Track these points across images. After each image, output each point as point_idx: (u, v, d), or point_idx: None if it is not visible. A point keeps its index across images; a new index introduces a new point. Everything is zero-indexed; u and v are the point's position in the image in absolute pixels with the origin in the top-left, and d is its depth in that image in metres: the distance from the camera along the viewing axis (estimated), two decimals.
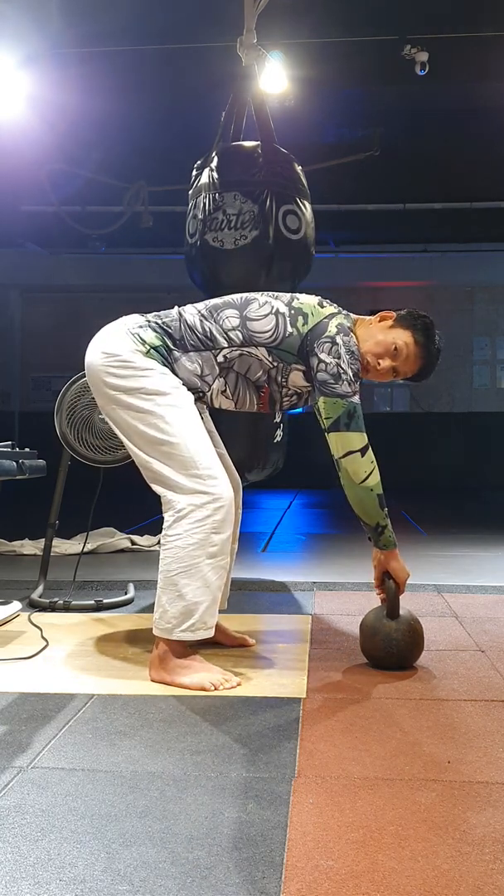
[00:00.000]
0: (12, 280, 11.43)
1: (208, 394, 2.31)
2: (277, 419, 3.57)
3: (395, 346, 2.32)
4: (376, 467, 2.25)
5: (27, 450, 2.97)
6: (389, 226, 9.07)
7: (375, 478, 2.24)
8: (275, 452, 3.61)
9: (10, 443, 2.90)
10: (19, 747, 1.67)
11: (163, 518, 2.18)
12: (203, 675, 2.10)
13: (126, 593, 3.25)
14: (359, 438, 2.21)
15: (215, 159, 3.48)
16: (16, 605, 2.92)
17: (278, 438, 3.59)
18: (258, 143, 3.51)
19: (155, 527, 2.16)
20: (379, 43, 5.02)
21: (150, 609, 2.22)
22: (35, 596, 3.14)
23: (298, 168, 3.54)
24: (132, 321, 2.29)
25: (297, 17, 4.56)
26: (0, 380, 11.84)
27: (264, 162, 3.42)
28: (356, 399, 2.23)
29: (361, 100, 6.21)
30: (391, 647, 2.28)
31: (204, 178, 3.47)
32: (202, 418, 2.35)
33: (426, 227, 9.12)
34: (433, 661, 2.36)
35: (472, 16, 4.79)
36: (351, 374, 2.22)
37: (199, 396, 2.31)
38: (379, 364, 2.33)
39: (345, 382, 2.21)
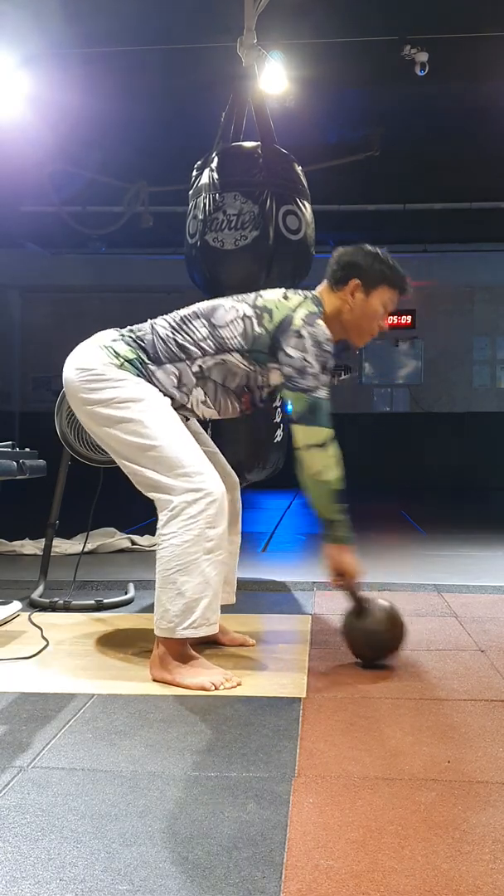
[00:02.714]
0: (12, 280, 11.42)
1: (189, 404, 2.31)
2: (277, 419, 3.57)
3: (383, 308, 2.37)
4: (337, 463, 2.24)
5: (27, 450, 2.98)
6: (389, 226, 9.06)
7: (333, 473, 2.23)
8: (275, 452, 3.61)
9: (10, 443, 2.91)
10: (19, 747, 1.67)
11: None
12: (203, 674, 2.10)
13: (126, 593, 3.26)
14: (320, 433, 2.21)
15: (215, 160, 3.48)
16: (16, 605, 2.92)
17: (278, 438, 3.59)
18: (258, 143, 3.51)
19: (155, 527, 2.16)
20: (379, 43, 5.02)
21: (150, 609, 2.23)
22: (35, 596, 3.14)
23: (298, 168, 3.54)
24: (106, 336, 2.30)
25: (297, 17, 4.57)
26: (0, 380, 11.84)
27: (264, 162, 3.43)
28: (321, 393, 2.22)
29: (361, 100, 6.21)
30: (374, 642, 2.29)
31: (204, 179, 3.48)
32: (188, 420, 2.36)
33: (426, 227, 9.12)
34: (433, 661, 2.36)
35: (472, 16, 4.79)
36: (317, 367, 2.20)
37: (179, 406, 2.31)
38: (381, 327, 2.40)
39: (309, 376, 2.20)
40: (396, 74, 5.15)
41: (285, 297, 2.31)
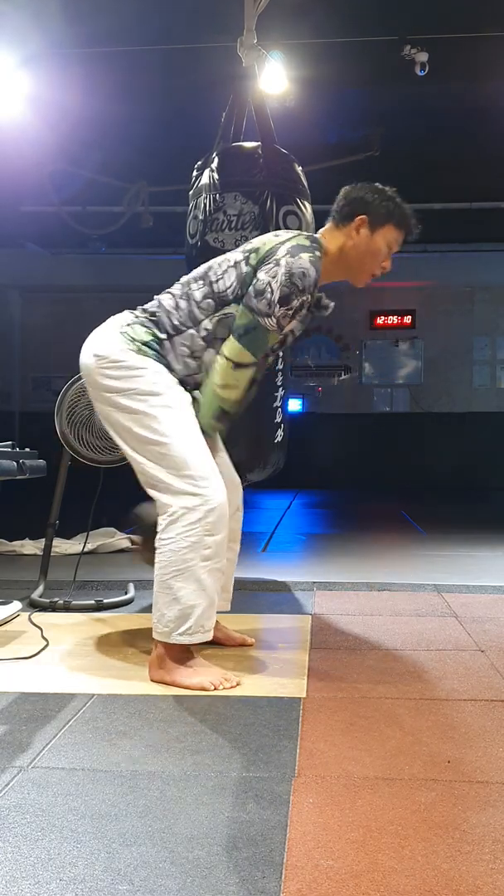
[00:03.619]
0: (12, 280, 11.42)
1: (205, 371, 2.27)
2: (277, 419, 3.57)
3: (387, 247, 2.33)
4: (240, 388, 2.21)
5: (27, 450, 2.97)
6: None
7: (232, 395, 2.21)
8: (275, 452, 3.61)
9: (10, 443, 2.91)
10: (19, 747, 1.67)
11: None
12: (203, 675, 2.10)
13: (126, 593, 3.26)
14: (243, 355, 2.19)
15: (216, 160, 3.48)
16: (16, 605, 2.92)
17: (279, 438, 3.59)
18: (258, 143, 3.51)
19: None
20: (379, 43, 5.02)
21: (150, 609, 2.23)
22: (35, 596, 3.14)
23: (299, 168, 3.54)
24: (122, 319, 2.29)
25: (297, 17, 4.57)
26: (0, 380, 11.84)
27: (264, 162, 3.43)
28: (266, 321, 2.18)
29: (361, 100, 6.21)
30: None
31: (204, 179, 3.48)
32: None
33: (426, 227, 9.08)
34: (433, 661, 2.36)
35: (472, 16, 4.79)
36: (276, 296, 2.16)
37: (196, 384, 2.28)
38: (383, 268, 2.35)
39: (264, 300, 2.17)
40: (396, 74, 5.15)
41: (276, 235, 2.31)
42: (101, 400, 2.24)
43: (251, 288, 2.20)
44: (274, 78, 4.19)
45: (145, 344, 2.22)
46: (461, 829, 1.34)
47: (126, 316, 2.30)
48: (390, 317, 11.51)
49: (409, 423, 11.59)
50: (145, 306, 2.33)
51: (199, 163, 3.58)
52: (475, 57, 5.16)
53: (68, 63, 5.12)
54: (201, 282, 2.29)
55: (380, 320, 11.53)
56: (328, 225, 2.36)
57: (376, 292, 10.98)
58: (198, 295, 2.26)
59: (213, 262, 2.33)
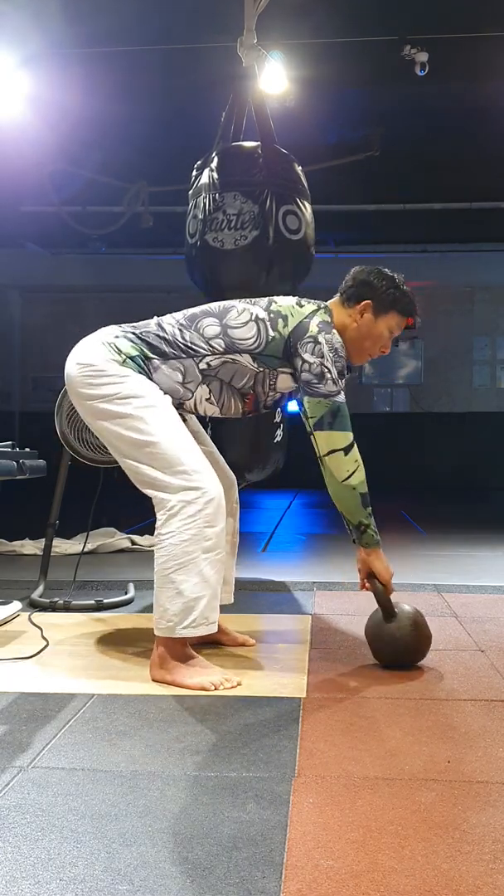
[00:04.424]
0: (12, 280, 11.41)
1: (191, 400, 2.32)
2: (277, 419, 3.57)
3: (389, 333, 2.39)
4: (361, 466, 2.24)
5: (27, 450, 2.98)
6: (389, 226, 9.06)
7: (359, 476, 2.23)
8: (275, 452, 3.61)
9: (10, 443, 2.91)
10: (19, 747, 1.67)
11: None
12: (203, 675, 2.10)
13: (126, 593, 3.26)
14: (343, 437, 2.22)
15: (215, 159, 3.48)
16: (16, 605, 2.92)
17: (278, 438, 3.59)
18: (258, 143, 3.51)
19: (155, 527, 2.17)
20: (379, 43, 5.02)
21: (150, 609, 2.23)
22: (35, 596, 3.14)
23: (298, 168, 3.54)
24: (108, 332, 2.31)
25: (297, 17, 4.56)
26: (0, 380, 11.84)
27: (264, 162, 3.43)
28: (340, 398, 2.24)
29: (361, 100, 6.21)
30: (398, 646, 2.28)
31: (204, 179, 3.48)
32: (186, 419, 2.36)
33: (426, 227, 9.12)
34: (433, 661, 2.36)
35: (472, 16, 4.79)
36: (335, 373, 2.23)
37: (179, 404, 2.31)
38: (382, 351, 2.41)
39: (329, 381, 2.22)
40: (396, 74, 5.15)
41: (300, 305, 2.34)
42: (86, 410, 2.26)
43: (307, 374, 2.23)
44: (274, 78, 4.19)
45: (130, 358, 2.24)
46: (461, 829, 1.34)
47: (113, 329, 2.32)
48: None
49: (409, 423, 11.59)
50: (136, 325, 2.34)
51: (199, 162, 3.58)
52: (475, 57, 5.16)
53: (68, 63, 5.12)
54: (216, 320, 2.30)
55: None
56: (336, 299, 2.41)
57: None
58: (210, 331, 2.28)
59: (233, 305, 2.35)
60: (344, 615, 2.99)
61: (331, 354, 2.23)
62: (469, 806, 1.42)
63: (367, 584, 2.32)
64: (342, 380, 2.26)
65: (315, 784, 1.51)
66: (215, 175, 3.43)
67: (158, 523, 2.16)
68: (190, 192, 3.57)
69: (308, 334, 2.24)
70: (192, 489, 2.12)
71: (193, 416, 2.47)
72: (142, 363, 2.25)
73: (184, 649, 2.15)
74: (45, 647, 2.46)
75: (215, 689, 2.05)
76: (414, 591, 3.46)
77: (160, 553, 2.14)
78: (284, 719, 1.85)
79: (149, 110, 6.23)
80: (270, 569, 3.94)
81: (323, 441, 2.23)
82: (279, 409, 3.55)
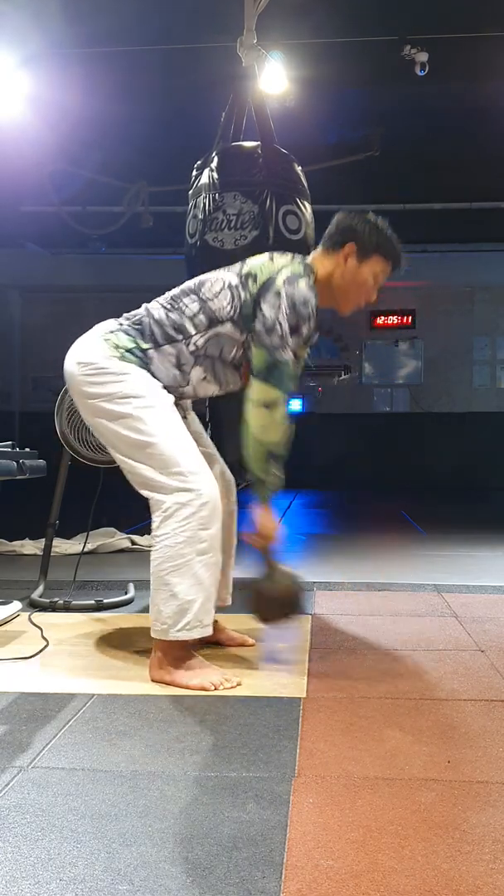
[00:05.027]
0: (12, 280, 11.42)
1: (190, 385, 2.30)
2: None
3: (373, 279, 2.35)
4: (281, 428, 2.21)
5: (27, 450, 2.97)
6: (389, 226, 9.05)
7: (273, 436, 2.20)
8: None
9: (10, 443, 2.90)
10: (19, 747, 1.67)
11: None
12: (203, 675, 2.10)
13: (126, 593, 3.26)
14: (271, 393, 2.19)
15: (215, 159, 3.48)
16: (16, 605, 2.92)
17: None
18: (258, 143, 3.51)
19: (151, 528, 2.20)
20: (379, 43, 5.02)
21: (149, 609, 2.23)
22: (35, 596, 3.14)
23: (298, 168, 3.54)
24: (106, 327, 2.30)
25: (297, 17, 4.56)
26: (0, 380, 11.84)
27: (264, 162, 3.42)
28: (284, 355, 2.20)
29: (361, 100, 6.21)
30: (270, 604, 2.36)
31: (204, 179, 3.48)
32: (186, 419, 2.35)
33: (426, 227, 9.11)
34: (433, 661, 2.36)
35: (472, 16, 4.79)
36: (286, 328, 2.19)
37: (180, 395, 2.31)
38: (369, 299, 2.37)
39: (276, 335, 2.19)
40: (396, 74, 5.15)
41: (271, 260, 2.31)
42: (86, 408, 2.26)
43: (259, 324, 2.21)
44: (274, 78, 4.19)
45: (128, 351, 2.24)
46: (461, 829, 1.34)
47: (110, 323, 2.32)
48: (390, 317, 11.50)
49: (409, 423, 11.59)
50: (129, 314, 2.34)
51: (199, 162, 3.57)
52: (475, 57, 5.16)
53: (68, 63, 5.12)
54: (194, 296, 2.29)
55: (380, 320, 11.52)
56: (319, 250, 2.38)
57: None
58: (191, 310, 2.27)
59: (206, 277, 2.34)
60: (344, 615, 2.99)
61: (287, 309, 2.19)
62: (469, 806, 1.42)
63: (253, 540, 2.31)
64: (295, 336, 2.20)
65: (315, 784, 1.51)
66: (215, 175, 3.42)
67: (154, 525, 2.16)
68: (190, 192, 3.56)
69: (273, 287, 2.22)
70: (187, 491, 2.12)
71: (195, 417, 2.46)
72: (140, 355, 2.24)
73: (183, 650, 2.15)
74: (45, 647, 2.46)
75: (215, 689, 2.05)
76: (414, 591, 3.46)
77: (156, 555, 2.14)
78: (284, 719, 1.85)
79: (149, 110, 6.23)
80: None
81: (254, 389, 2.21)
82: None
